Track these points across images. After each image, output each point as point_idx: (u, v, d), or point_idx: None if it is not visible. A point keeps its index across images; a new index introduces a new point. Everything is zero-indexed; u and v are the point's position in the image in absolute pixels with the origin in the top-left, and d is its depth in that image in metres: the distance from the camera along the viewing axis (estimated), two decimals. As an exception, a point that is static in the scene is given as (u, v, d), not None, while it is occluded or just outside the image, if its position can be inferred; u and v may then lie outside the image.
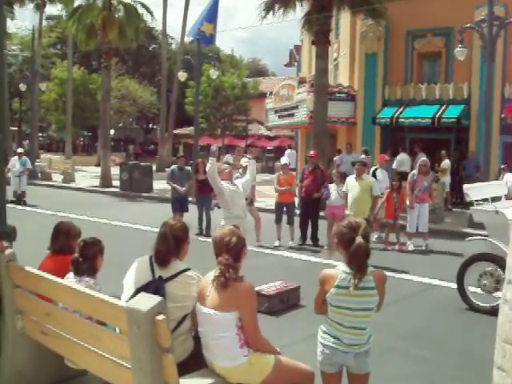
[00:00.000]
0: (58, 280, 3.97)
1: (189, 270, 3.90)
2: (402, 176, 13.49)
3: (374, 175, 12.73)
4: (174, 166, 13.60)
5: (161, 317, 3.01)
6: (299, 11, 20.40)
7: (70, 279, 4.26)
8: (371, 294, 3.66)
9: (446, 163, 17.85)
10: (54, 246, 4.95)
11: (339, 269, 3.72)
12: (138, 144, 52.41)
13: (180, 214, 13.16)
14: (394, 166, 17.34)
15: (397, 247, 11.68)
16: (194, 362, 3.77)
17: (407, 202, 11.99)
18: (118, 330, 3.66)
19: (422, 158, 12.10)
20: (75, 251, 4.53)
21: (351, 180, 10.90)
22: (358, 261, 3.62)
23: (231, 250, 3.69)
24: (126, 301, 3.54)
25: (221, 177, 8.56)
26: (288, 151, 25.35)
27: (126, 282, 3.92)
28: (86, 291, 3.61)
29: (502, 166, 15.93)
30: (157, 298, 3.10)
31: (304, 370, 3.80)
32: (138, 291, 3.61)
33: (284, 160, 12.17)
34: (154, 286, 3.69)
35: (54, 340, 4.01)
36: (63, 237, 4.94)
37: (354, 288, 3.59)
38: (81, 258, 4.35)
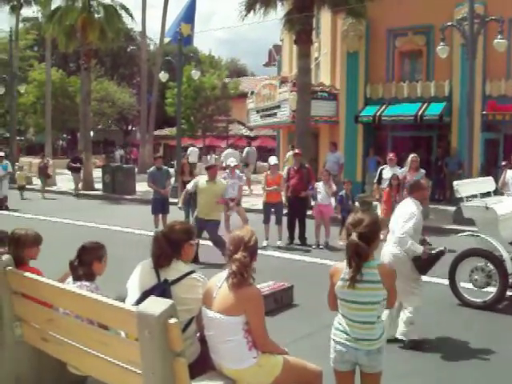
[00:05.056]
0: (60, 285, 3.90)
1: (193, 272, 3.85)
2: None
3: (380, 173, 12.62)
4: (152, 168, 13.59)
5: (173, 320, 2.97)
6: (280, 10, 20.45)
7: (70, 284, 4.19)
8: (376, 288, 3.66)
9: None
10: None
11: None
12: (132, 147, 50.88)
13: (162, 215, 13.09)
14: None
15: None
16: (201, 364, 3.73)
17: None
18: (123, 334, 3.61)
19: (412, 154, 11.87)
20: (28, 261, 4.44)
21: (202, 182, 10.79)
22: (348, 257, 3.67)
23: (249, 249, 3.63)
24: (133, 304, 3.49)
25: None
26: (191, 149, 25.65)
27: (131, 286, 3.87)
28: (91, 296, 3.54)
29: (503, 163, 15.43)
30: (168, 302, 3.04)
31: (312, 370, 3.79)
32: (144, 295, 3.55)
33: (273, 160, 12.12)
34: (161, 289, 3.62)
35: (56, 346, 3.93)
36: (12, 246, 4.61)
37: (350, 283, 3.63)
38: (77, 262, 4.27)
